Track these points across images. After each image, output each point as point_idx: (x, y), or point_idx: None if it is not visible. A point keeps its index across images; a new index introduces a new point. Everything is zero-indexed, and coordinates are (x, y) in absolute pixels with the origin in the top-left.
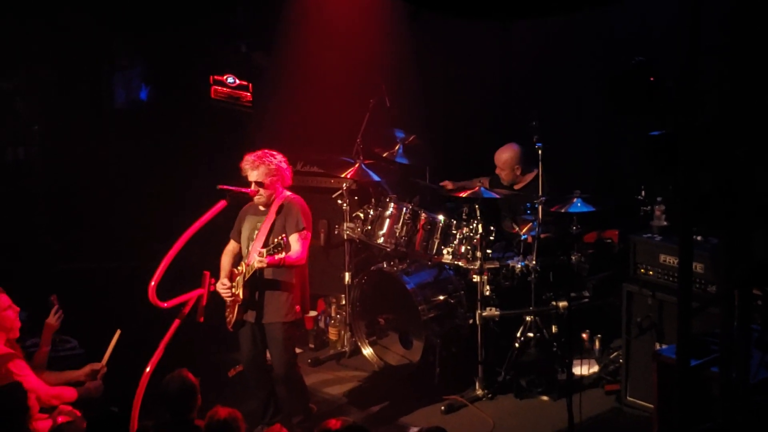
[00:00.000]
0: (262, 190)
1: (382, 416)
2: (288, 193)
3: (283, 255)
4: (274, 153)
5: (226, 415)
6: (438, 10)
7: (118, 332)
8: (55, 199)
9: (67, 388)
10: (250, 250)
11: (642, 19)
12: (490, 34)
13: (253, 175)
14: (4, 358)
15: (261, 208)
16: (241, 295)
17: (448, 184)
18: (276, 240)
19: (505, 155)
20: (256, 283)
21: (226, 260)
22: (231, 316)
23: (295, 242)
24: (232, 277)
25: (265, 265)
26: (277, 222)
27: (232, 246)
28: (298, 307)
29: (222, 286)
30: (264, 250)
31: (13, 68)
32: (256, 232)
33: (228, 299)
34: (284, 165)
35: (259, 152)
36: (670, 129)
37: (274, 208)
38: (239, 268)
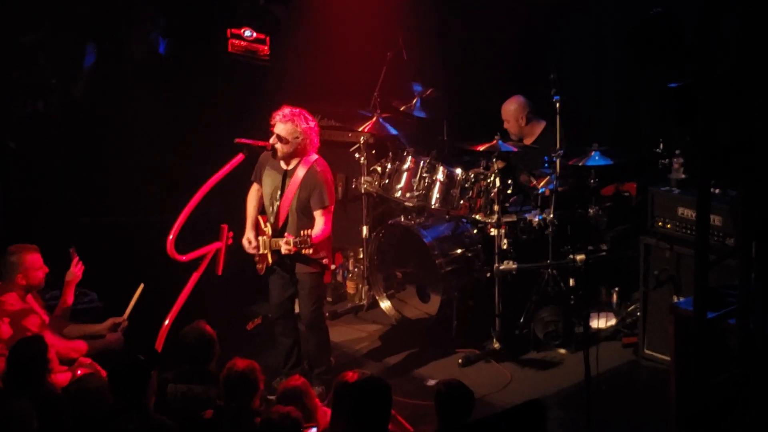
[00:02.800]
0: (280, 144)
1: (399, 369)
2: (315, 157)
3: (309, 250)
4: (310, 117)
5: (244, 366)
6: None
7: (141, 286)
8: (73, 153)
9: (80, 341)
10: (276, 211)
11: None
12: None
13: (279, 128)
14: (20, 314)
15: (283, 166)
16: (269, 259)
17: None
18: (303, 234)
19: (509, 106)
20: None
21: (251, 206)
22: (261, 265)
23: (319, 217)
24: (258, 231)
25: (291, 254)
26: (302, 192)
27: (255, 189)
28: (326, 260)
29: (248, 245)
30: (291, 240)
31: (36, 22)
32: (280, 192)
33: (254, 255)
34: (314, 131)
35: (296, 110)
36: (689, 80)
37: (299, 174)
38: (265, 226)
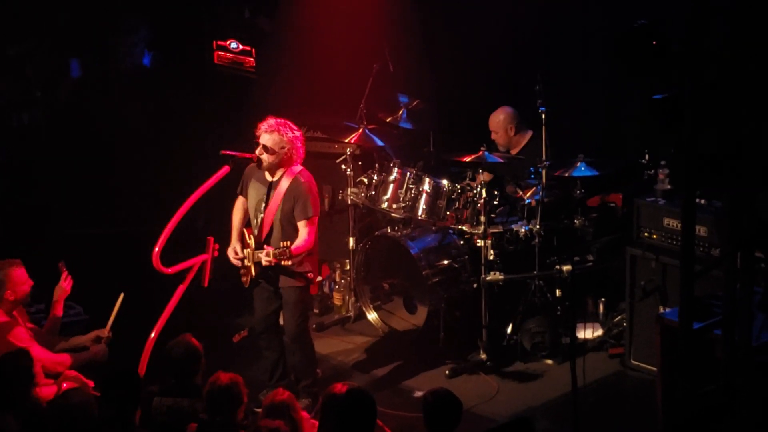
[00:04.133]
0: (266, 155)
1: (386, 381)
2: (299, 168)
3: (288, 262)
4: (294, 127)
5: (227, 380)
6: None
7: (122, 296)
8: (58, 165)
9: (64, 354)
10: (260, 224)
11: None
12: None
13: (264, 138)
14: (5, 327)
15: (268, 177)
16: (253, 271)
17: None
18: (283, 245)
19: (498, 117)
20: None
21: (236, 219)
22: (245, 277)
23: (303, 228)
24: (243, 241)
25: (271, 265)
26: (286, 204)
27: (240, 202)
28: (310, 274)
29: (233, 255)
30: (271, 252)
31: (21, 34)
32: (264, 205)
33: (239, 267)
34: (299, 141)
35: (281, 120)
36: (674, 91)
37: (283, 185)
38: (250, 239)
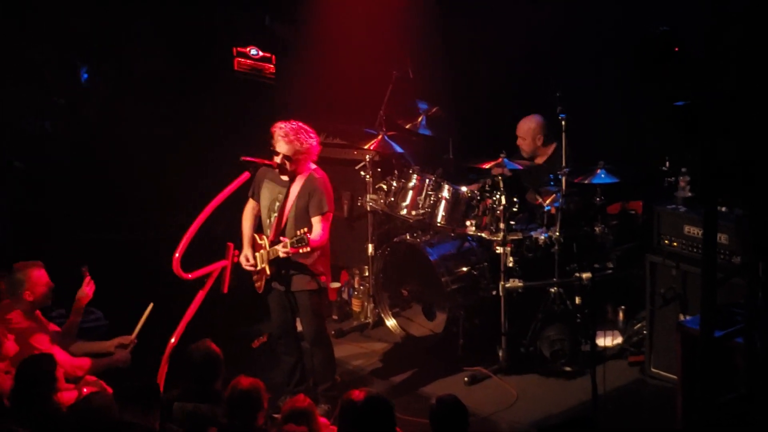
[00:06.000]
0: (287, 164)
1: (405, 387)
2: (313, 166)
3: (308, 248)
4: (310, 132)
5: (248, 384)
6: None
7: (151, 305)
8: (79, 171)
9: (84, 358)
10: (273, 222)
11: None
12: (514, 5)
13: (281, 147)
14: (27, 331)
15: (282, 177)
16: (267, 271)
17: None
18: (299, 233)
19: (528, 124)
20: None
21: (247, 224)
22: (259, 282)
23: (317, 224)
24: (255, 246)
25: (288, 255)
26: (300, 200)
27: (251, 206)
28: (323, 277)
29: (245, 262)
30: (288, 241)
31: (40, 40)
32: (278, 204)
33: (252, 273)
34: (315, 144)
35: (296, 126)
36: (694, 98)
37: (298, 183)
38: (261, 240)
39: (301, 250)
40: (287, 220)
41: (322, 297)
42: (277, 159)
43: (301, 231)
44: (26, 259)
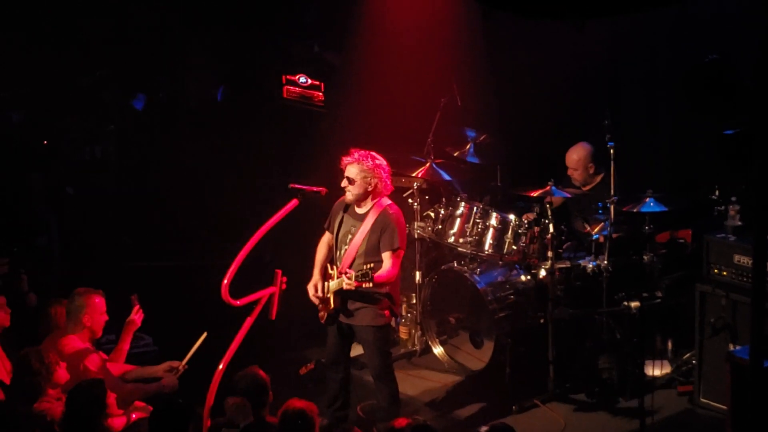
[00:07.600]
0: (350, 186)
1: (452, 416)
2: (388, 201)
3: (370, 284)
4: (377, 156)
5: (302, 405)
6: (510, 11)
7: (205, 334)
8: (129, 198)
9: (134, 384)
10: (343, 255)
11: (716, 15)
12: (562, 33)
13: (347, 170)
14: (80, 355)
15: (357, 210)
16: (332, 302)
17: None
18: (365, 268)
19: (577, 154)
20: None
21: (321, 253)
22: (323, 312)
23: (387, 259)
24: (325, 276)
25: (352, 288)
26: (372, 235)
27: (326, 238)
28: (387, 312)
29: (312, 292)
30: (353, 274)
31: (93, 68)
32: (350, 237)
33: (318, 303)
34: (384, 170)
35: (364, 152)
36: (744, 127)
37: (371, 217)
38: (332, 270)
39: (364, 285)
40: (357, 255)
41: (387, 333)
42: (343, 183)
43: (367, 266)
44: (75, 287)
